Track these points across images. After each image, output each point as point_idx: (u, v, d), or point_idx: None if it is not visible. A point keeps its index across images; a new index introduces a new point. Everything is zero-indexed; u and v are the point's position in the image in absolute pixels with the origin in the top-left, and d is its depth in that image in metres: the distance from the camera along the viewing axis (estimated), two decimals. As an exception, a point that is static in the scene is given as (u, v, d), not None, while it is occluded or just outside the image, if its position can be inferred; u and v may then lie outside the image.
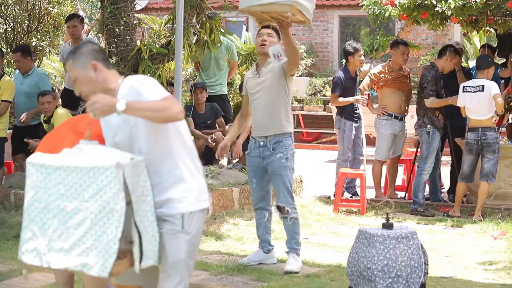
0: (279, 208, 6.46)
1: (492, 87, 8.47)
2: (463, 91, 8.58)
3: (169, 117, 3.46)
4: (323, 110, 16.51)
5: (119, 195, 3.32)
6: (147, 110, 3.44)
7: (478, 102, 8.48)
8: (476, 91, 8.49)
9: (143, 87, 3.52)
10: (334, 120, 9.78)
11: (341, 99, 9.32)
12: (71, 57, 3.71)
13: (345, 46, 9.57)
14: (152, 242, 3.50)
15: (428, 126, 8.88)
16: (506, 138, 9.37)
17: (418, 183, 8.93)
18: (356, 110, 9.47)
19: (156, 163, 3.57)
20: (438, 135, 8.93)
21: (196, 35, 8.64)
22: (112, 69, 3.71)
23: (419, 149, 9.32)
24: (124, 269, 3.45)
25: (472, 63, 13.83)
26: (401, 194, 9.75)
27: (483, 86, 8.48)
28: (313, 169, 12.46)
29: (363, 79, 10.05)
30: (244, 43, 17.29)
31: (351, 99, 9.32)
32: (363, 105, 9.48)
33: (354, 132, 9.47)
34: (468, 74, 9.59)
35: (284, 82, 6.34)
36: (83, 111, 9.75)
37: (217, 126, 9.93)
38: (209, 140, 9.60)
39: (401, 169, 10.33)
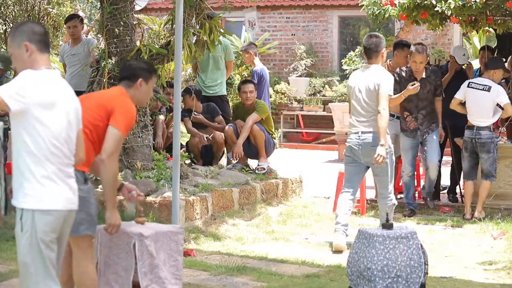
0: None
1: (501, 93, 8.51)
2: (468, 86, 8.60)
3: None
4: (323, 110, 16.51)
5: None
6: None
7: (481, 102, 8.46)
8: (482, 90, 8.48)
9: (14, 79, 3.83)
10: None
11: None
12: (11, 34, 3.95)
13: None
14: None
15: None
16: (506, 138, 9.36)
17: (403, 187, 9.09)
18: None
19: (14, 156, 3.86)
20: (406, 138, 8.89)
21: (195, 36, 8.63)
22: (46, 52, 3.93)
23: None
24: None
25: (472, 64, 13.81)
26: (401, 194, 9.74)
27: (490, 87, 8.47)
28: (313, 170, 12.45)
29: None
30: (244, 43, 17.30)
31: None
32: None
33: None
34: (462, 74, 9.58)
35: None
36: None
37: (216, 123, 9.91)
38: (204, 138, 9.59)
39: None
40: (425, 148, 8.91)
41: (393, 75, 8.06)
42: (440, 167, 9.09)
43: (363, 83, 7.24)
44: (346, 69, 13.87)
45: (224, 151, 9.96)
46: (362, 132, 7.20)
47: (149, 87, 4.86)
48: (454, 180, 9.56)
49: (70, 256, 4.62)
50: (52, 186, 3.84)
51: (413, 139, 8.86)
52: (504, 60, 11.48)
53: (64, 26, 11.11)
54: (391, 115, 9.32)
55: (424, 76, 8.80)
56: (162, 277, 4.90)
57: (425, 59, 8.79)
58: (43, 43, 3.93)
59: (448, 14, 9.55)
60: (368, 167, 7.39)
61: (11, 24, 12.61)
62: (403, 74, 8.82)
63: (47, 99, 3.82)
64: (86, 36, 12.26)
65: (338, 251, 7.09)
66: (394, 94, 7.95)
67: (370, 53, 7.34)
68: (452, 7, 9.26)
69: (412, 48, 8.83)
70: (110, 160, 4.50)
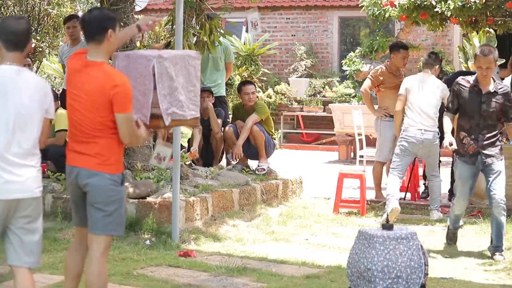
0: None
1: None
2: None
3: None
4: (323, 111, 16.51)
5: None
6: None
7: None
8: None
9: None
10: None
11: None
12: None
13: None
14: None
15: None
16: (506, 139, 9.35)
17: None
18: None
19: None
20: (464, 164, 7.10)
21: (195, 36, 8.63)
22: (14, 51, 4.26)
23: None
24: None
25: (472, 65, 13.83)
26: (401, 195, 9.73)
27: None
28: (313, 170, 12.46)
29: (363, 80, 10.01)
30: (244, 44, 17.30)
31: None
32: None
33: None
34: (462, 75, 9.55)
35: None
36: None
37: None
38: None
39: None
40: (489, 179, 7.07)
41: (454, 87, 7.14)
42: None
43: (427, 88, 8.60)
44: (346, 70, 13.88)
45: (223, 151, 9.95)
46: (425, 130, 8.51)
47: (116, 35, 4.64)
48: (454, 181, 9.55)
49: (85, 251, 4.64)
50: None
51: (472, 166, 7.07)
52: (504, 60, 11.49)
53: (64, 26, 11.12)
54: (390, 116, 9.35)
55: (491, 90, 7.01)
56: (181, 101, 4.86)
57: (492, 64, 6.94)
58: (10, 42, 4.26)
59: (448, 15, 9.57)
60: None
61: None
62: (465, 84, 7.09)
63: None
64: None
65: (395, 214, 8.24)
66: (453, 108, 7.14)
67: (429, 67, 8.75)
68: (452, 8, 9.28)
69: (477, 50, 7.19)
70: (134, 140, 4.61)
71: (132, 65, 4.81)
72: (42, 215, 4.44)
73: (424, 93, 8.61)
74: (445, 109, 7.35)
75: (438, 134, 8.54)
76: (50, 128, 4.56)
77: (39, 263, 4.44)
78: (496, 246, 7.09)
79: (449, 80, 9.01)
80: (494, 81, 7.08)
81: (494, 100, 7.01)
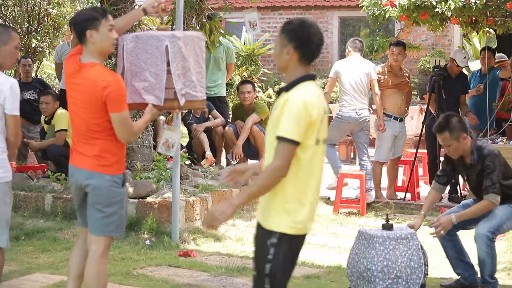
0: None
1: None
2: None
3: None
4: (323, 111, 16.50)
5: None
6: None
7: None
8: None
9: None
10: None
11: None
12: None
13: None
14: None
15: None
16: (506, 139, 9.35)
17: None
18: None
19: None
20: None
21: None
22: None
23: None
24: None
25: (472, 65, 13.84)
26: (401, 195, 9.72)
27: None
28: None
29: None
30: (244, 44, 17.30)
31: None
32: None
33: None
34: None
35: None
36: None
37: (211, 118, 9.88)
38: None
39: (401, 170, 10.31)
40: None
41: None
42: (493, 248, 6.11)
43: (357, 70, 9.21)
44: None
45: (223, 151, 9.95)
46: (359, 109, 9.23)
47: (103, 32, 4.51)
48: (455, 180, 9.54)
49: (87, 251, 4.64)
50: None
51: None
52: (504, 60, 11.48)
53: (65, 27, 11.10)
54: (389, 116, 9.36)
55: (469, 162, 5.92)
56: (194, 81, 4.84)
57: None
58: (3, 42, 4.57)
59: (448, 15, 9.55)
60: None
61: (11, 25, 12.61)
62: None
63: None
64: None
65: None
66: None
67: (359, 51, 9.41)
68: (452, 8, 9.27)
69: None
70: (132, 137, 4.69)
71: (141, 46, 4.76)
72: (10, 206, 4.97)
73: (355, 74, 9.19)
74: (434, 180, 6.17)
75: (370, 111, 9.42)
76: (15, 126, 4.63)
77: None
78: (483, 282, 6.00)
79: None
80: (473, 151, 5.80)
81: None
